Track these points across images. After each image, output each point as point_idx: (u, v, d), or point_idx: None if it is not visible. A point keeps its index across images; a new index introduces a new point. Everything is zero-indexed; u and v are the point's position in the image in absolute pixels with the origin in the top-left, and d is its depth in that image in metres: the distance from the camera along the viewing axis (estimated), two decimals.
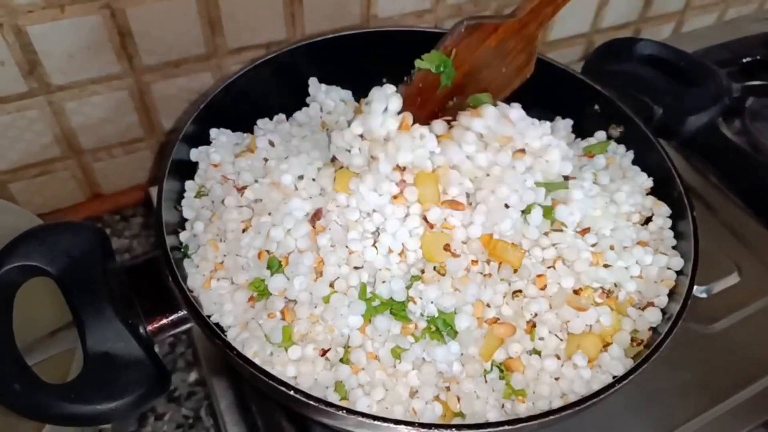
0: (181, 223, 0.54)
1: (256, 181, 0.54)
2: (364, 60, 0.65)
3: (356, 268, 0.48)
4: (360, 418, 0.41)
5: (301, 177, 0.52)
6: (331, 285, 0.48)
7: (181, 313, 0.46)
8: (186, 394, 0.64)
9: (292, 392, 0.41)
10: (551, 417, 0.42)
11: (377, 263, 0.49)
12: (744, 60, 0.90)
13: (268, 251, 0.49)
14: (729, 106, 0.71)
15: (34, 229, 0.46)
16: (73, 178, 0.74)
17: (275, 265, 0.48)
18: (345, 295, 0.48)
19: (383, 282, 0.48)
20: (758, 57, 0.90)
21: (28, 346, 0.50)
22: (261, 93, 0.62)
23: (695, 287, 0.63)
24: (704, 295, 0.65)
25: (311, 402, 0.41)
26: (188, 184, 0.56)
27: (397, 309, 0.48)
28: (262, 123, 0.63)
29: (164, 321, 0.45)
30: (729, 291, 0.66)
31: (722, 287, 0.66)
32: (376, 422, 0.41)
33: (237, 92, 0.60)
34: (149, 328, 0.45)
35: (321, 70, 0.65)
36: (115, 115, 0.70)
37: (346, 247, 0.48)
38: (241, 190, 0.53)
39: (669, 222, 0.56)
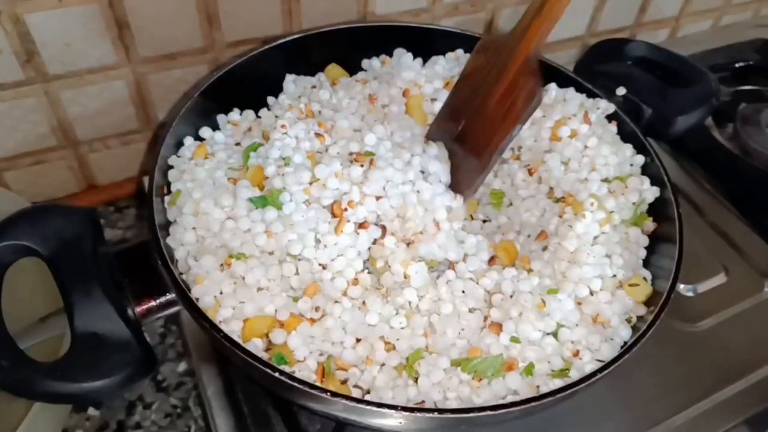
0: None
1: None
2: (359, 54, 0.66)
3: None
4: (346, 402, 0.41)
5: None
6: None
7: (169, 296, 0.46)
8: (175, 384, 0.65)
9: (277, 374, 0.41)
10: (534, 404, 0.43)
11: None
12: (737, 65, 0.91)
13: None
14: (717, 109, 0.72)
15: (26, 210, 0.46)
16: (69, 168, 0.75)
17: None
18: None
19: None
20: (751, 62, 0.91)
21: (18, 331, 0.50)
22: (252, 85, 0.62)
23: (682, 286, 0.64)
24: (690, 294, 0.65)
25: (296, 384, 0.41)
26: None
27: None
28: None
29: (152, 303, 0.46)
30: (715, 291, 0.66)
31: (709, 287, 0.66)
32: (360, 405, 0.41)
33: (230, 84, 0.60)
34: (137, 309, 0.45)
35: (313, 62, 0.66)
36: (111, 106, 0.71)
37: None
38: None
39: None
